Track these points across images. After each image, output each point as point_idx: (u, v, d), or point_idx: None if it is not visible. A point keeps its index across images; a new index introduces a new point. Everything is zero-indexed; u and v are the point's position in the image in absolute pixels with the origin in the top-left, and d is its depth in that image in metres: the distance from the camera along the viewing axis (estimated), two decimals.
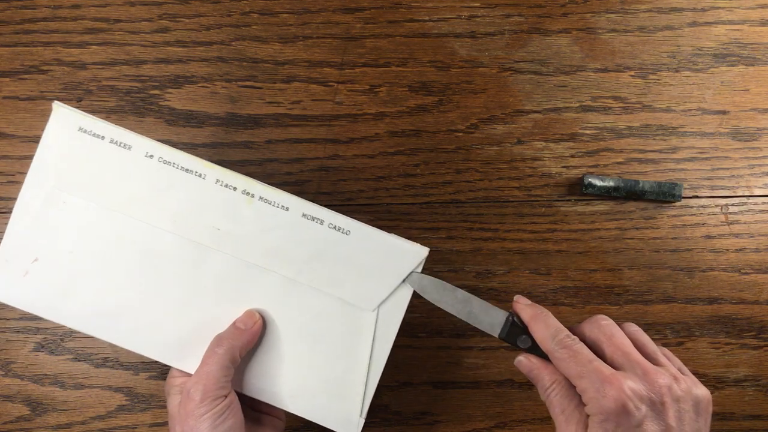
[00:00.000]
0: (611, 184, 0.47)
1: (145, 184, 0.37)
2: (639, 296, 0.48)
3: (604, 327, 0.35)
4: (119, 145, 0.36)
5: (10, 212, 0.47)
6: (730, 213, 0.49)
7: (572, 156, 0.48)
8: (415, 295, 0.38)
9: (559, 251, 0.48)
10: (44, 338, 0.47)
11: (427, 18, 0.48)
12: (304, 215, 0.37)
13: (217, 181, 0.37)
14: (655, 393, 0.32)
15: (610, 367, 0.33)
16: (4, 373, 0.47)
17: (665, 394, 0.32)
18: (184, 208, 0.37)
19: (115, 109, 0.48)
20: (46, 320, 0.47)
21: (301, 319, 0.38)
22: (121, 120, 0.48)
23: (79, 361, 0.47)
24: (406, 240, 0.38)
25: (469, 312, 0.38)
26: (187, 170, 0.37)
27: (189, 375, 0.38)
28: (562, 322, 0.36)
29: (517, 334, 0.37)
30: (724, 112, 0.49)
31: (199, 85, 0.48)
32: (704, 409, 0.34)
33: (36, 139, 0.47)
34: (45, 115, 0.47)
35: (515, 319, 0.38)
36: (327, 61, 0.48)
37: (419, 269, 0.38)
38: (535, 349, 0.37)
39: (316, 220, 0.38)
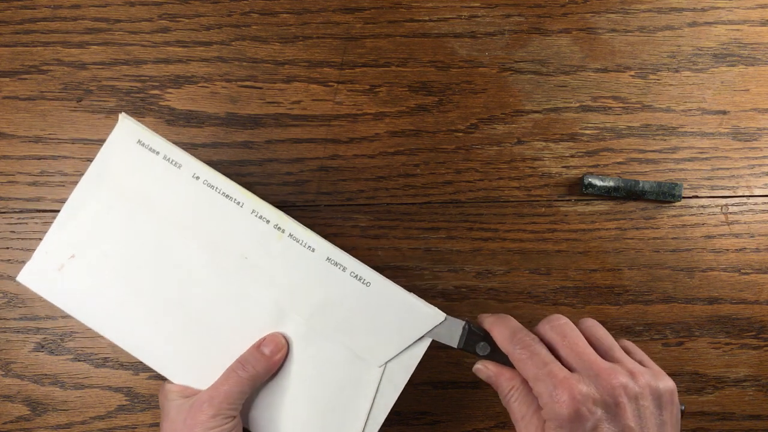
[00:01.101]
0: (611, 184, 0.47)
1: (188, 203, 0.38)
2: (639, 296, 0.48)
3: (557, 327, 0.35)
4: (171, 163, 0.38)
5: (10, 212, 0.47)
6: (730, 213, 0.49)
7: (572, 156, 0.48)
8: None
9: (559, 251, 0.48)
10: (44, 338, 0.47)
11: (427, 18, 0.48)
12: (328, 259, 0.38)
13: (253, 211, 0.38)
14: (609, 394, 0.31)
15: (564, 370, 0.32)
16: (4, 373, 0.47)
17: (620, 394, 0.31)
18: (218, 232, 0.38)
19: (115, 109, 0.48)
20: (47, 321, 0.47)
21: (307, 362, 0.39)
22: None
23: (79, 361, 0.47)
24: (425, 302, 0.38)
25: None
26: (227, 196, 0.38)
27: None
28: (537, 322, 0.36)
29: (475, 341, 0.37)
30: (724, 112, 0.49)
31: (199, 85, 0.48)
32: (668, 401, 0.33)
33: (35, 139, 0.47)
34: (45, 115, 0.47)
35: (472, 327, 0.37)
36: (327, 61, 0.48)
37: (432, 334, 0.38)
38: (494, 356, 0.36)
39: (339, 266, 0.38)
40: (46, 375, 0.47)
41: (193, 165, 0.38)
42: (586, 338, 0.35)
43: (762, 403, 0.49)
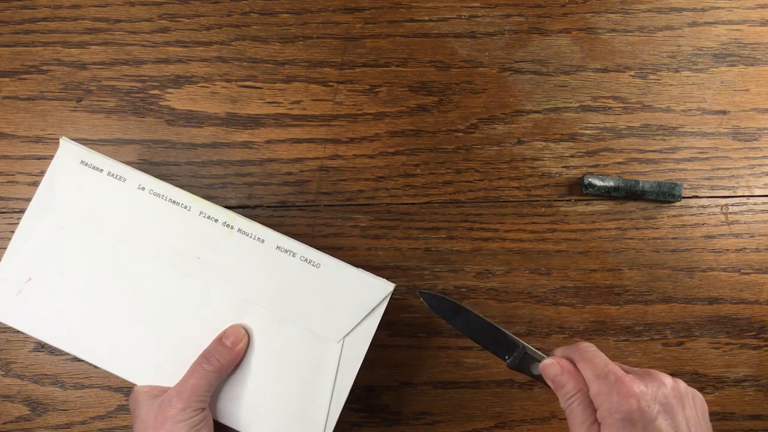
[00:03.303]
0: (611, 184, 0.47)
1: (136, 214, 0.40)
2: (639, 296, 0.48)
3: (593, 358, 0.36)
4: (115, 177, 0.40)
5: (10, 212, 0.47)
6: (730, 213, 0.49)
7: (572, 156, 0.48)
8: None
9: (559, 251, 0.48)
10: None
11: (427, 18, 0.48)
12: (278, 247, 0.40)
13: (201, 213, 0.40)
14: (662, 395, 0.34)
15: (622, 371, 0.35)
16: (4, 373, 0.47)
17: (670, 395, 0.34)
18: (169, 238, 0.40)
19: (115, 109, 0.48)
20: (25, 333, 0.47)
21: (269, 347, 0.40)
22: (121, 120, 0.48)
23: (79, 361, 0.47)
24: (374, 275, 0.39)
25: (482, 338, 0.38)
26: (174, 202, 0.40)
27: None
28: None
29: (529, 363, 0.38)
30: (724, 112, 0.49)
31: (199, 85, 0.48)
32: (703, 408, 0.36)
33: (35, 139, 0.47)
34: (45, 115, 0.47)
35: (527, 350, 0.38)
36: (327, 61, 0.48)
37: (384, 304, 0.39)
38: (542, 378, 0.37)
39: (289, 253, 0.40)
40: (46, 375, 0.47)
41: (137, 177, 0.40)
42: None
43: (762, 403, 0.49)
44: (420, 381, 0.48)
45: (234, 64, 0.48)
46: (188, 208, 0.40)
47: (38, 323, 0.40)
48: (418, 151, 0.48)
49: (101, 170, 0.40)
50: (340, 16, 0.48)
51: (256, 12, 0.48)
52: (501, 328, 0.38)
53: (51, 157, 0.47)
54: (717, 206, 0.49)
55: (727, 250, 0.48)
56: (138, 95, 0.48)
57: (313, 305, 0.40)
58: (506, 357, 0.38)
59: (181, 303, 0.40)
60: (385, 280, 0.39)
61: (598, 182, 0.47)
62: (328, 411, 0.40)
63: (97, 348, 0.40)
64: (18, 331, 0.47)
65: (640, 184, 0.47)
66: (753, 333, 0.49)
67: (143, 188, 0.40)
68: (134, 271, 0.40)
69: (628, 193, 0.47)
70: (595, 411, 0.35)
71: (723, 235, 0.49)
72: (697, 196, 0.49)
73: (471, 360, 0.48)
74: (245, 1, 0.48)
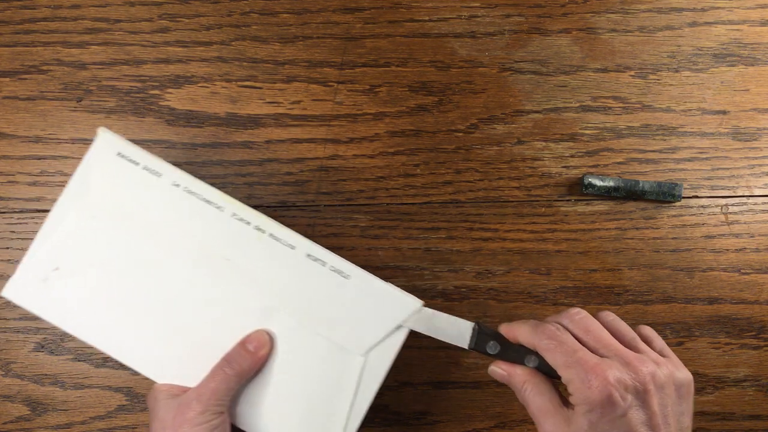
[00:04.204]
0: (611, 184, 0.47)
1: (169, 210, 0.39)
2: (639, 296, 0.48)
3: (578, 321, 0.35)
4: (151, 172, 0.39)
5: (10, 212, 0.47)
6: (730, 213, 0.49)
7: (572, 156, 0.48)
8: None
9: (559, 251, 0.48)
10: (44, 338, 0.47)
11: (427, 18, 0.48)
12: (308, 255, 0.39)
13: (234, 214, 0.39)
14: (639, 381, 0.32)
15: (594, 356, 0.33)
16: (4, 373, 0.47)
17: (648, 381, 0.32)
18: (200, 236, 0.39)
19: (115, 109, 0.48)
20: (47, 321, 0.47)
21: (291, 355, 0.39)
22: (121, 120, 0.48)
23: (79, 361, 0.47)
24: (402, 291, 0.39)
25: (436, 327, 0.38)
26: (207, 201, 0.39)
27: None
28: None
29: (485, 341, 0.38)
30: (724, 112, 0.49)
31: (199, 85, 0.48)
32: (686, 392, 0.34)
33: (35, 139, 0.47)
34: (45, 114, 0.47)
35: (482, 327, 0.38)
36: (327, 61, 0.48)
37: (411, 321, 0.39)
38: (504, 354, 0.37)
39: (319, 261, 0.39)
40: (46, 375, 0.47)
41: (172, 173, 0.39)
42: (608, 330, 0.35)
43: (762, 403, 0.49)
44: (420, 381, 0.48)
45: (234, 64, 0.48)
46: (221, 209, 0.39)
47: (61, 312, 0.39)
48: (418, 151, 0.48)
49: (137, 164, 0.39)
50: (340, 16, 0.48)
51: (256, 12, 0.48)
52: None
53: (51, 157, 0.47)
54: (717, 206, 0.49)
55: (727, 250, 0.48)
56: (138, 95, 0.48)
57: (339, 316, 0.39)
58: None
59: (206, 303, 0.39)
60: (413, 296, 0.39)
61: (598, 182, 0.47)
62: (346, 424, 0.39)
63: (118, 342, 0.39)
64: (18, 331, 0.47)
65: (640, 184, 0.47)
66: (753, 333, 0.49)
67: (178, 185, 0.39)
68: (162, 267, 0.39)
69: (628, 193, 0.47)
70: (554, 390, 0.35)
71: (723, 235, 0.49)
72: (697, 196, 0.49)
73: (471, 360, 0.48)
74: (245, 1, 0.48)
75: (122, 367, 0.47)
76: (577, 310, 0.36)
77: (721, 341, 0.48)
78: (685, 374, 0.34)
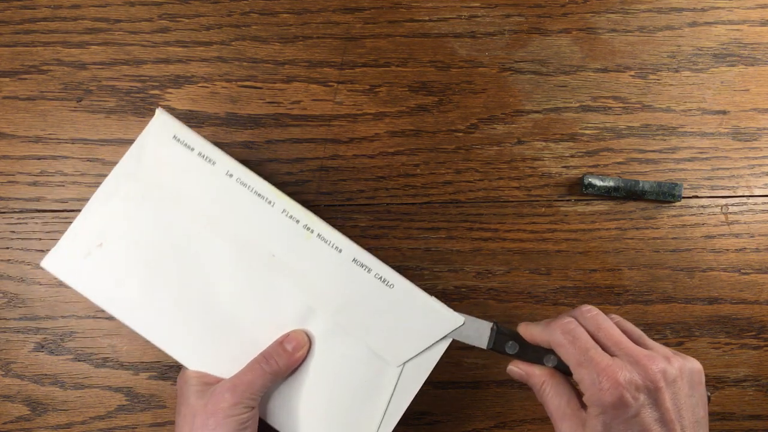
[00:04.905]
0: (611, 184, 0.47)
1: (220, 199, 0.39)
2: (639, 296, 0.48)
3: (590, 318, 0.35)
4: (205, 159, 0.39)
5: (10, 212, 0.47)
6: (730, 213, 0.49)
7: (572, 156, 0.48)
8: None
9: (559, 251, 0.48)
10: (44, 338, 0.47)
11: (427, 18, 0.48)
12: (354, 260, 0.39)
13: (284, 211, 0.39)
14: (650, 380, 0.32)
15: (606, 356, 0.33)
16: (4, 373, 0.47)
17: (659, 379, 0.32)
18: (248, 229, 0.39)
19: (115, 109, 0.48)
20: (47, 321, 0.47)
21: (328, 358, 0.39)
22: (121, 120, 0.48)
23: (79, 361, 0.47)
24: (445, 306, 0.39)
25: (456, 330, 0.38)
26: (259, 194, 0.39)
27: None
28: None
29: (504, 341, 0.38)
30: (724, 112, 0.49)
31: (199, 85, 0.48)
32: (698, 381, 0.34)
33: (35, 139, 0.47)
34: (45, 114, 0.47)
35: (500, 327, 0.38)
36: (327, 61, 0.48)
37: (451, 337, 0.39)
38: (523, 354, 0.37)
39: (364, 268, 0.39)
40: (46, 375, 0.47)
41: (227, 162, 0.39)
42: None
43: (762, 403, 0.49)
44: None
45: (234, 64, 0.48)
46: (272, 204, 0.39)
47: (101, 290, 0.39)
48: (418, 151, 0.48)
49: (192, 149, 0.39)
50: (340, 16, 0.48)
51: (256, 12, 0.48)
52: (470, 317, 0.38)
53: (51, 157, 0.47)
54: (717, 206, 0.49)
55: (727, 250, 0.48)
56: (138, 95, 0.48)
57: (379, 325, 0.39)
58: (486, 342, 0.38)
59: (246, 297, 0.39)
60: (456, 312, 0.38)
61: (598, 182, 0.47)
62: None
63: (154, 325, 0.39)
64: (18, 331, 0.47)
65: (640, 184, 0.47)
66: (753, 333, 0.49)
67: (231, 175, 0.39)
68: (206, 256, 0.39)
69: (628, 193, 0.47)
70: (566, 392, 0.35)
71: (723, 235, 0.49)
72: (697, 196, 0.49)
73: (471, 360, 0.48)
74: (245, 1, 0.48)
75: (122, 367, 0.47)
76: (588, 307, 0.36)
77: (721, 341, 0.48)
78: (694, 364, 0.34)
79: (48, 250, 0.39)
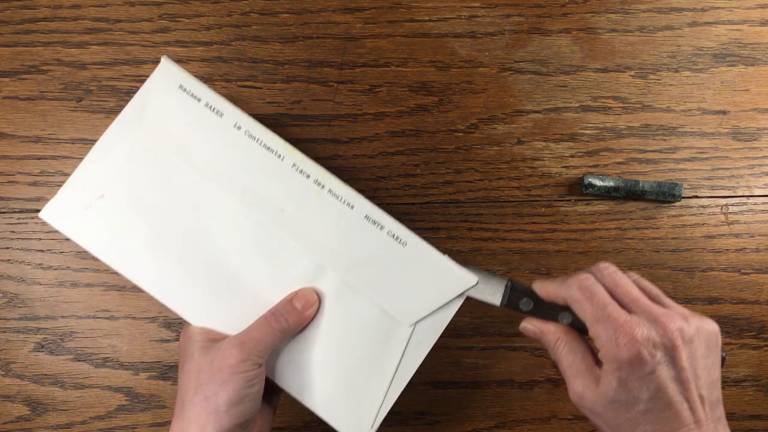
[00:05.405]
0: (611, 184, 0.47)
1: (227, 152, 0.37)
2: None
3: (607, 276, 0.35)
4: (213, 110, 0.37)
5: (10, 212, 0.47)
6: (730, 213, 0.49)
7: (572, 156, 0.48)
8: None
9: (559, 251, 0.48)
10: (44, 338, 0.47)
11: (427, 18, 0.48)
12: (366, 217, 0.38)
13: (294, 165, 0.37)
14: (667, 338, 0.32)
15: (624, 313, 0.33)
16: (4, 373, 0.47)
17: (677, 337, 0.32)
18: (256, 183, 0.38)
19: (115, 109, 0.48)
20: (47, 321, 0.47)
21: (337, 319, 0.38)
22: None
23: (79, 361, 0.47)
24: (459, 265, 0.38)
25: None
26: (268, 148, 0.37)
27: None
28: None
29: (518, 298, 0.37)
30: (724, 112, 0.49)
31: None
32: (714, 343, 0.33)
33: (36, 139, 0.47)
34: (45, 114, 0.47)
35: (515, 284, 0.37)
36: (327, 61, 0.48)
37: (464, 296, 0.38)
38: (537, 312, 0.37)
39: (377, 225, 0.38)
40: (46, 375, 0.47)
41: (235, 114, 0.37)
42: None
43: (762, 403, 0.49)
44: (420, 381, 0.48)
45: (234, 64, 0.48)
46: (282, 158, 0.37)
47: (102, 243, 0.38)
48: (418, 151, 0.48)
49: (199, 100, 0.37)
50: (340, 16, 0.48)
51: (256, 12, 0.48)
52: (484, 269, 0.38)
53: (51, 157, 0.47)
54: (717, 206, 0.49)
55: (727, 250, 0.48)
56: None
57: (391, 284, 0.38)
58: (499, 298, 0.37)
59: (254, 252, 0.38)
60: (469, 272, 0.37)
61: (598, 182, 0.47)
62: (385, 395, 0.38)
63: (157, 280, 0.38)
64: (18, 331, 0.47)
65: (640, 184, 0.47)
66: (753, 333, 0.49)
67: (239, 128, 0.37)
68: (213, 210, 0.38)
69: (628, 193, 0.47)
70: (580, 349, 0.34)
71: (723, 235, 0.49)
72: (697, 196, 0.49)
73: (471, 360, 0.48)
74: (245, 1, 0.48)
75: (122, 367, 0.47)
76: (606, 264, 0.35)
77: (721, 341, 0.48)
78: (712, 325, 0.34)
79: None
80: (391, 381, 0.38)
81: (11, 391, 0.47)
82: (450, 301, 0.38)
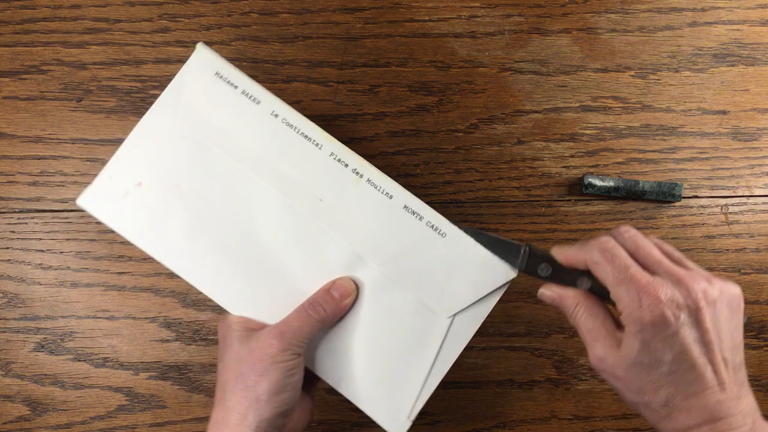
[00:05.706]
0: (611, 184, 0.47)
1: (265, 140, 0.37)
2: None
3: (629, 239, 0.34)
4: (249, 98, 0.37)
5: (10, 212, 0.47)
6: (730, 213, 0.49)
7: (572, 156, 0.48)
8: None
9: None
10: (44, 338, 0.47)
11: (427, 18, 0.48)
12: (405, 207, 0.37)
13: (332, 154, 0.37)
14: (691, 299, 0.31)
15: (646, 274, 0.32)
16: (4, 373, 0.47)
17: (701, 299, 0.31)
18: (294, 172, 0.37)
19: (115, 109, 0.48)
20: (47, 321, 0.47)
21: (376, 309, 0.38)
22: (121, 120, 0.48)
23: (79, 361, 0.47)
24: (499, 258, 0.37)
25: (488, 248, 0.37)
26: (306, 137, 0.37)
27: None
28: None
29: (537, 263, 0.36)
30: (724, 112, 0.49)
31: None
32: (737, 306, 0.33)
33: (36, 139, 0.47)
34: (45, 114, 0.47)
35: (533, 249, 0.37)
36: (327, 61, 0.48)
37: (503, 289, 0.37)
38: (555, 277, 0.36)
39: (416, 215, 0.37)
40: (46, 375, 0.47)
41: (272, 102, 0.37)
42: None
43: (762, 403, 0.49)
44: None
45: (234, 64, 0.48)
46: (320, 146, 0.37)
47: (139, 231, 0.37)
48: (418, 151, 0.48)
49: (236, 87, 0.37)
50: (340, 16, 0.48)
51: (256, 12, 0.48)
52: (501, 238, 0.37)
53: (51, 157, 0.47)
54: (717, 206, 0.49)
55: (727, 250, 0.48)
56: (138, 95, 0.48)
57: (430, 275, 0.37)
58: (515, 261, 0.37)
59: (292, 242, 0.38)
60: (510, 265, 0.37)
61: (598, 182, 0.47)
62: (422, 387, 0.38)
63: (195, 268, 0.38)
64: (18, 331, 0.47)
65: (640, 184, 0.47)
66: (753, 333, 0.48)
67: (276, 115, 0.37)
68: (251, 198, 0.37)
69: (628, 193, 0.47)
70: (600, 313, 0.34)
71: (723, 235, 0.49)
72: (697, 196, 0.49)
73: (471, 360, 0.48)
74: (245, 1, 0.48)
75: (122, 367, 0.47)
76: (627, 227, 0.35)
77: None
78: (734, 289, 0.33)
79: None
80: (429, 373, 0.38)
81: (11, 391, 0.47)
82: (489, 293, 0.37)
